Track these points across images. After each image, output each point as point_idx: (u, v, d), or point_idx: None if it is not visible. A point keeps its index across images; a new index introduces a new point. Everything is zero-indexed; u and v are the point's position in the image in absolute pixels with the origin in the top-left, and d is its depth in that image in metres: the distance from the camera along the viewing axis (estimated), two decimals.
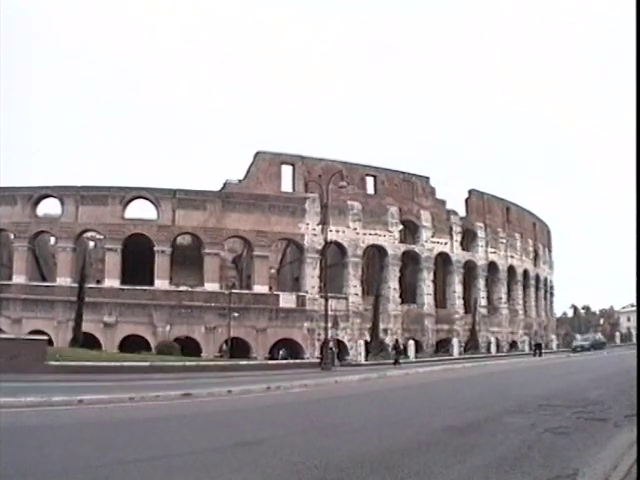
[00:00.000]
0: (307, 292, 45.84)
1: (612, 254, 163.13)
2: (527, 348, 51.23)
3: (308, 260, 46.47)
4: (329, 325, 33.49)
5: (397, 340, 41.81)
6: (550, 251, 72.17)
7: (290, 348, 44.93)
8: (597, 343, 49.93)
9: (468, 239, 56.08)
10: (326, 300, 32.76)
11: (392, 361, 35.40)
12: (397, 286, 49.81)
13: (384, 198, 50.77)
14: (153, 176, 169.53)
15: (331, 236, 41.88)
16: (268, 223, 45.93)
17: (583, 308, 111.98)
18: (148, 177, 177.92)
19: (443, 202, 54.39)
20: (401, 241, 51.71)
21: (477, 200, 57.31)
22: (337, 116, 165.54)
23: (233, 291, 43.67)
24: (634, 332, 67.97)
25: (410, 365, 33.38)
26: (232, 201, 45.99)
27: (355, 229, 48.87)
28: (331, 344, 35.90)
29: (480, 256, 56.25)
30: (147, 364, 25.74)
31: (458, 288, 53.92)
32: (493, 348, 51.08)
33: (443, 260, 53.80)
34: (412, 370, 26.24)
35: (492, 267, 57.32)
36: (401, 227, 51.65)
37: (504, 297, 58.24)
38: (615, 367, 21.83)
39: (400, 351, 37.56)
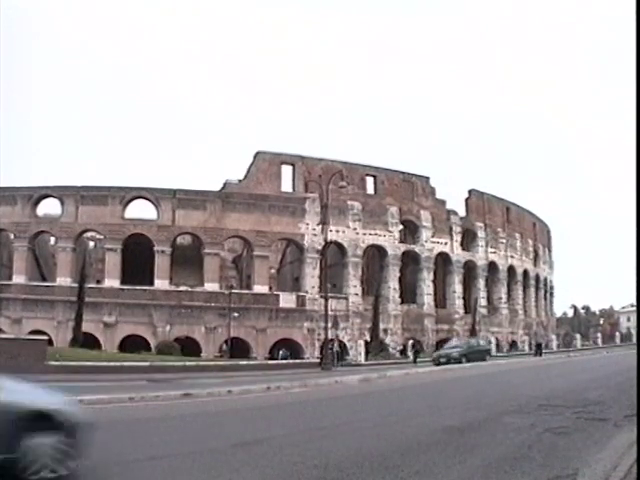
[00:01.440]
0: (307, 292, 45.88)
1: (612, 254, 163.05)
2: (527, 348, 51.15)
3: (308, 260, 46.49)
4: (329, 325, 33.49)
5: (414, 340, 43.54)
6: (550, 251, 72.16)
7: (290, 348, 44.93)
8: (473, 352, 33.09)
9: (468, 239, 56.09)
10: (326, 300, 32.75)
11: (412, 360, 36.83)
12: (397, 286, 49.83)
13: (384, 198, 50.79)
14: (153, 176, 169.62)
15: (331, 236, 41.85)
16: (268, 223, 45.95)
17: (583, 308, 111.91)
18: (148, 177, 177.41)
19: (443, 202, 54.40)
20: (401, 241, 51.74)
21: (477, 200, 57.32)
22: (337, 116, 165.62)
23: (233, 291, 43.67)
24: (634, 332, 67.91)
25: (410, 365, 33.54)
26: (232, 201, 46.03)
27: (355, 229, 48.89)
28: (335, 344, 36.22)
29: (480, 256, 56.24)
30: (147, 364, 25.70)
31: (458, 288, 53.93)
32: (493, 348, 51.01)
33: (443, 260, 53.81)
34: (412, 370, 26.20)
35: (492, 267, 57.33)
36: (401, 227, 51.68)
37: (504, 297, 58.25)
38: (615, 367, 21.76)
39: (418, 350, 38.89)
